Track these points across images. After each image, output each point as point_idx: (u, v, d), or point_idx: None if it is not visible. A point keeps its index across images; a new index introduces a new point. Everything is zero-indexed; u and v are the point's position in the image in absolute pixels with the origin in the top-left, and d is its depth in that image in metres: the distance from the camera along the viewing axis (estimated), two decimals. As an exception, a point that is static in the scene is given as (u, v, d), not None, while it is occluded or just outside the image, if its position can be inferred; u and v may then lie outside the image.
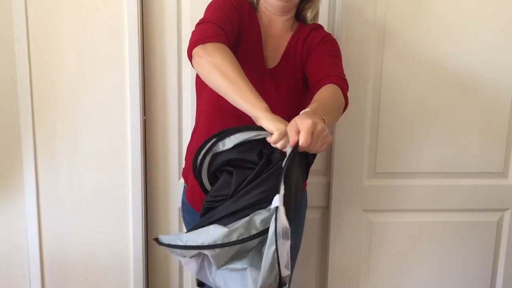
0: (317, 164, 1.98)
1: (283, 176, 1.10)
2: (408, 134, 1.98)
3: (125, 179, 1.93)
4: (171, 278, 2.08)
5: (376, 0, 1.87)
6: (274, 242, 1.08)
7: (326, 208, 2.07)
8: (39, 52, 1.82)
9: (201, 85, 1.51)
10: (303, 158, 1.22)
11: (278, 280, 1.11)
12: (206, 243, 1.13)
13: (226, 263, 1.18)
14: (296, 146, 1.09)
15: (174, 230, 2.03)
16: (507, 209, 2.09)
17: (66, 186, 1.92)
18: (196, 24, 1.38)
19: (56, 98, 1.85)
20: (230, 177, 1.22)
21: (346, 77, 1.89)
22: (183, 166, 1.94)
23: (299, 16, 1.57)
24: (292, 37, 1.53)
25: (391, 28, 1.89)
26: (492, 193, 2.06)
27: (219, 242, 1.12)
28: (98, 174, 1.92)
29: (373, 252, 2.10)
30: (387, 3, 1.87)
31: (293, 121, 1.12)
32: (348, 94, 1.88)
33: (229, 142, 1.21)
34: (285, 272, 1.12)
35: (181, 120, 1.94)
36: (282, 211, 1.08)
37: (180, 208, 1.97)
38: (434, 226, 2.08)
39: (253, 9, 1.52)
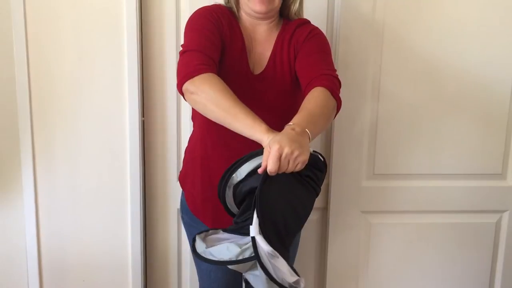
0: (315, 166, 1.98)
1: (254, 205, 1.14)
2: (407, 135, 1.98)
3: (123, 181, 1.93)
4: (170, 279, 2.08)
5: (375, 0, 1.87)
6: (260, 267, 1.15)
7: (324, 210, 2.07)
8: (37, 53, 1.82)
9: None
10: (292, 181, 1.21)
11: None
12: (224, 259, 1.21)
13: (247, 270, 1.25)
14: (266, 171, 1.13)
15: (173, 232, 2.03)
16: (506, 211, 2.09)
17: (64, 187, 1.92)
18: (180, 53, 1.38)
19: (55, 100, 1.85)
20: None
21: (345, 77, 1.90)
22: (181, 166, 1.95)
23: (283, 13, 1.53)
24: (277, 38, 1.49)
25: (389, 29, 1.89)
26: (491, 194, 2.06)
27: (234, 259, 1.20)
28: (97, 176, 1.92)
29: (371, 253, 2.10)
30: (386, 4, 1.87)
31: (267, 146, 1.14)
32: (347, 95, 1.89)
33: (242, 172, 1.22)
34: (291, 279, 1.16)
35: (179, 122, 1.94)
36: (259, 240, 1.13)
37: (178, 209, 1.98)
38: (432, 227, 2.08)
39: (234, 17, 1.49)
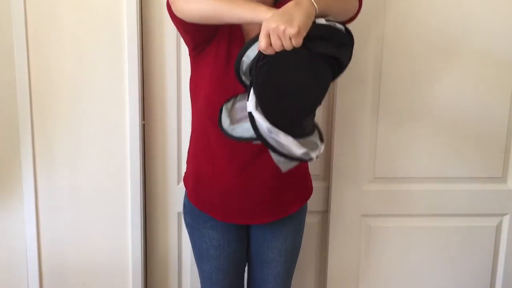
0: (316, 169, 1.98)
1: (251, 81, 1.12)
2: (407, 139, 1.98)
3: (124, 184, 1.92)
4: (170, 283, 2.07)
5: (375, 2, 1.88)
6: (261, 141, 1.17)
7: (325, 213, 2.07)
8: (38, 56, 1.82)
9: (194, 93, 1.53)
10: (300, 60, 1.14)
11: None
12: (245, 137, 1.24)
13: None
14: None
15: (173, 235, 2.02)
16: (506, 214, 2.09)
17: (64, 191, 1.92)
18: None
19: (55, 103, 1.85)
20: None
21: (345, 80, 1.91)
22: (182, 170, 1.95)
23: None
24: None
25: (390, 31, 1.89)
26: (491, 198, 2.06)
27: (254, 137, 1.20)
28: (97, 179, 1.92)
29: (372, 257, 2.10)
30: (386, 5, 1.88)
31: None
32: (347, 98, 1.89)
33: (251, 55, 1.16)
34: (298, 152, 1.17)
35: (180, 125, 1.93)
36: (257, 117, 1.12)
37: (180, 212, 1.97)
38: (433, 231, 2.08)
39: None
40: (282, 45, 1.07)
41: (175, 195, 1.98)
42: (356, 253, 2.08)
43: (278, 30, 1.06)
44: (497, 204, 2.07)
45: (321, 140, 1.29)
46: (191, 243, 1.67)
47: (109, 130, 1.88)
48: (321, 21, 1.12)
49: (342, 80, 1.90)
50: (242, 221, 1.56)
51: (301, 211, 1.65)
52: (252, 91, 1.13)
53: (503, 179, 2.05)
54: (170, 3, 1.29)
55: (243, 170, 1.48)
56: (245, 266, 1.71)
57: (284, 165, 1.24)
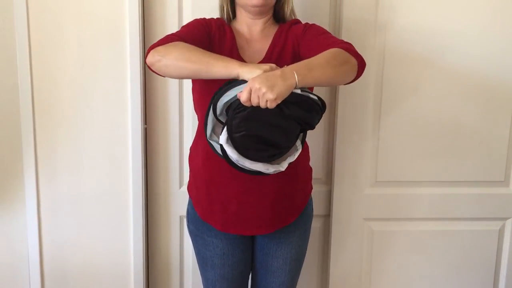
0: (318, 173, 1.98)
1: (225, 121, 1.29)
2: (409, 142, 1.98)
3: (126, 188, 1.92)
4: (172, 287, 2.07)
5: (376, 6, 1.87)
6: (238, 168, 1.32)
7: (327, 217, 2.07)
8: (40, 61, 1.82)
9: (197, 100, 1.54)
10: (273, 116, 1.26)
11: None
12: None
13: None
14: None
15: (175, 238, 2.02)
16: (509, 218, 2.09)
17: (66, 195, 1.92)
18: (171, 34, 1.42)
19: (57, 108, 1.86)
20: None
21: (347, 85, 1.90)
22: (184, 174, 1.95)
23: (277, 17, 1.58)
24: (275, 35, 1.53)
25: (392, 35, 1.89)
26: (494, 202, 2.05)
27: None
28: (99, 183, 1.92)
29: (374, 260, 2.09)
30: (387, 9, 1.88)
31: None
32: (349, 101, 1.89)
33: (224, 100, 1.30)
34: (268, 171, 1.32)
35: (182, 129, 1.94)
36: (228, 150, 1.27)
37: (182, 216, 1.98)
38: (435, 234, 2.07)
39: (223, 24, 1.53)
40: (259, 103, 1.21)
41: (177, 198, 1.98)
42: (359, 257, 2.08)
43: (259, 92, 1.20)
44: (499, 208, 2.07)
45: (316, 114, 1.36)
46: (195, 251, 1.67)
47: (111, 134, 1.89)
48: (297, 90, 1.26)
49: (344, 86, 1.89)
50: (241, 232, 1.55)
51: (307, 219, 1.65)
52: (225, 128, 1.28)
53: (505, 183, 2.05)
54: (148, 65, 1.36)
55: (244, 183, 1.48)
56: (249, 274, 1.71)
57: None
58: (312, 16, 1.81)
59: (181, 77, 1.41)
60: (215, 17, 1.57)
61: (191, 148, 1.62)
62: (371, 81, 1.92)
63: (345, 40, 1.44)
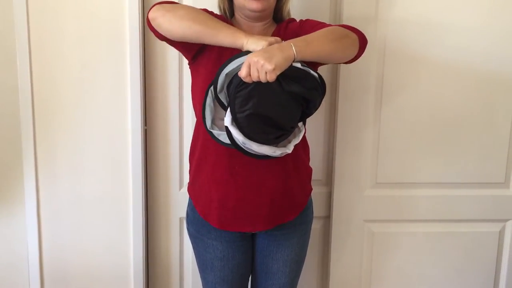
0: (318, 174, 1.98)
1: (228, 100, 1.29)
2: (409, 144, 1.98)
3: (126, 189, 1.92)
4: (172, 288, 2.07)
5: (376, 9, 1.87)
6: (245, 151, 1.33)
7: (327, 218, 2.07)
8: (40, 62, 1.82)
9: (193, 102, 1.54)
10: (275, 92, 1.27)
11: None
12: None
13: None
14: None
15: (175, 240, 2.02)
16: (509, 220, 2.08)
17: (66, 196, 1.92)
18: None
19: (57, 109, 1.85)
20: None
21: (347, 85, 1.90)
22: (184, 175, 1.95)
23: (276, 17, 1.58)
24: (273, 34, 1.53)
25: (392, 36, 1.89)
26: (494, 203, 2.05)
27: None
28: (99, 184, 1.91)
29: (374, 262, 2.09)
30: (388, 4, 1.88)
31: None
32: (349, 103, 1.89)
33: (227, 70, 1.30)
34: (275, 153, 1.34)
35: (182, 130, 1.94)
36: (233, 131, 1.28)
37: (182, 217, 1.98)
38: (435, 236, 2.07)
39: (225, 20, 1.51)
40: (259, 77, 1.22)
41: (177, 200, 1.97)
42: (359, 258, 2.08)
43: (257, 64, 1.21)
44: (499, 209, 2.06)
45: (319, 92, 1.36)
46: (195, 253, 1.67)
47: (111, 135, 1.88)
48: (297, 64, 1.27)
49: (344, 86, 1.89)
50: (239, 229, 1.55)
51: (307, 222, 1.65)
52: (229, 108, 1.29)
53: (505, 184, 2.05)
54: (150, 20, 1.35)
55: (243, 179, 1.48)
56: (249, 276, 1.71)
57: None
58: (313, 13, 1.80)
59: (182, 38, 1.35)
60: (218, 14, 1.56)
61: (190, 147, 1.62)
62: (372, 81, 1.92)
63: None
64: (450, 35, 1.90)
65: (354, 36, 1.38)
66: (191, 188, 1.62)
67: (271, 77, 1.21)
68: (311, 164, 1.67)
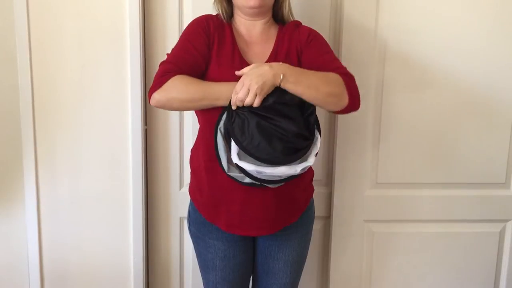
0: (318, 175, 1.98)
1: (228, 139, 1.37)
2: (410, 144, 1.98)
3: (126, 189, 1.92)
4: (172, 288, 2.07)
5: (377, 8, 1.87)
6: (265, 181, 1.39)
7: (327, 218, 2.07)
8: (40, 61, 1.82)
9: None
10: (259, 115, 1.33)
11: None
12: None
13: None
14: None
15: (175, 240, 2.02)
16: (509, 220, 2.08)
17: (66, 196, 1.92)
18: (161, 63, 1.45)
19: (57, 108, 1.85)
20: None
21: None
22: (184, 175, 1.95)
23: (276, 17, 1.58)
24: (277, 38, 1.53)
25: (392, 39, 1.89)
26: (494, 203, 2.05)
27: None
28: (99, 184, 1.91)
29: (374, 262, 2.09)
30: (388, 11, 1.88)
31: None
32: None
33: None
34: (297, 171, 1.37)
35: (182, 130, 1.93)
36: (243, 165, 1.33)
37: (182, 217, 1.98)
38: (436, 236, 2.07)
39: (225, 24, 1.52)
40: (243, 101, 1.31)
41: (177, 200, 1.97)
42: (359, 258, 2.08)
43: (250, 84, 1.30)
44: (500, 210, 2.06)
45: (318, 130, 1.43)
46: (196, 253, 1.66)
47: (111, 135, 1.88)
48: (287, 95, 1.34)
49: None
50: (245, 233, 1.54)
51: (308, 222, 1.65)
52: (232, 143, 1.33)
53: (506, 184, 2.05)
54: (152, 102, 1.42)
55: (249, 186, 1.46)
56: (250, 276, 1.71)
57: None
58: (313, 19, 1.81)
59: (181, 106, 1.42)
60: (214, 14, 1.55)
61: (192, 151, 1.62)
62: (372, 83, 1.92)
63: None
64: (450, 41, 1.91)
65: (345, 101, 1.41)
66: (193, 192, 1.61)
67: (257, 102, 1.30)
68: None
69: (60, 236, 1.95)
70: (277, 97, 1.33)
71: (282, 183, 1.42)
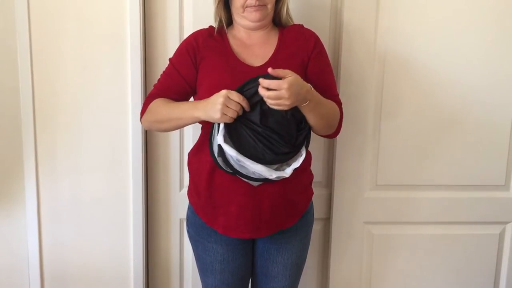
0: (318, 176, 1.98)
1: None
2: (410, 146, 1.98)
3: (126, 190, 1.92)
4: (172, 289, 2.08)
5: (377, 10, 1.87)
6: (228, 168, 1.41)
7: (327, 220, 2.07)
8: (41, 63, 1.82)
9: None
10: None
11: None
12: None
13: None
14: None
15: (175, 241, 2.02)
16: (509, 222, 2.08)
17: (67, 197, 1.92)
18: (154, 85, 1.59)
19: (58, 109, 1.86)
20: None
21: (348, 88, 1.90)
22: (185, 177, 1.95)
23: (275, 20, 1.59)
24: (279, 39, 1.55)
25: (391, 42, 1.89)
26: (494, 206, 2.05)
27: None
28: (99, 185, 1.92)
29: (374, 264, 2.09)
30: (388, 12, 1.88)
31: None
32: (349, 106, 1.89)
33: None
34: (269, 175, 1.41)
35: (182, 132, 1.93)
36: (226, 148, 1.36)
37: (182, 218, 1.98)
38: (435, 238, 2.07)
39: (213, 31, 1.55)
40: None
41: (177, 201, 1.98)
42: (359, 260, 2.08)
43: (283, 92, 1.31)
44: (500, 212, 2.06)
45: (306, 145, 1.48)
46: (195, 256, 1.67)
47: (111, 137, 1.89)
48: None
49: (345, 90, 1.89)
50: (241, 235, 1.54)
51: (307, 225, 1.65)
52: (221, 125, 1.37)
53: (505, 187, 2.05)
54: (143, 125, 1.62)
55: (245, 186, 1.47)
56: (250, 279, 1.71)
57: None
58: (313, 22, 1.81)
59: (162, 127, 1.56)
60: (207, 26, 1.59)
61: (189, 154, 1.62)
62: (372, 84, 1.92)
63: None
64: (449, 41, 1.91)
65: (336, 129, 1.57)
66: (191, 195, 1.62)
67: (276, 104, 1.34)
68: (311, 166, 1.67)
69: (61, 238, 1.95)
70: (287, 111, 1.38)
71: (259, 183, 1.45)
